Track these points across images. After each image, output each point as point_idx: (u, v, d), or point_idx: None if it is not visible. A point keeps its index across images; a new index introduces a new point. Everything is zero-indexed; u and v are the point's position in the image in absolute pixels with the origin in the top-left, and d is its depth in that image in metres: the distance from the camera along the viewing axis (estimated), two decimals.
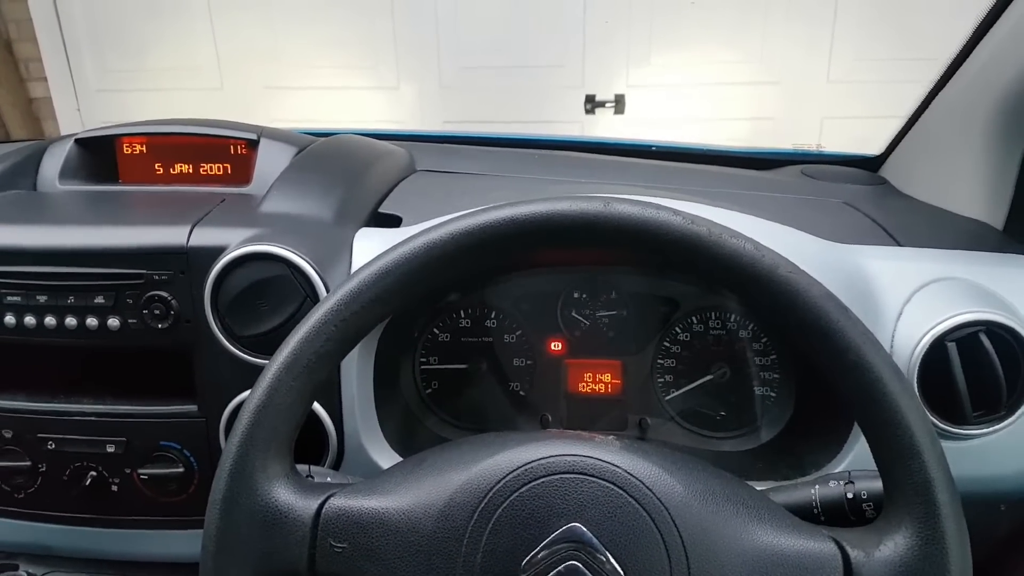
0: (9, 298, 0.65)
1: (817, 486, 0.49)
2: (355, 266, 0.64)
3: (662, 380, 0.75)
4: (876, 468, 0.43)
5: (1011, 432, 0.61)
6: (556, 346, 0.75)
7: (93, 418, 0.67)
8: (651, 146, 1.08)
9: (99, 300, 0.64)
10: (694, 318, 0.74)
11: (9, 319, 0.65)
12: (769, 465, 0.69)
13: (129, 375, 0.70)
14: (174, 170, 0.81)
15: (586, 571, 0.39)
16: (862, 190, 0.90)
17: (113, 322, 0.65)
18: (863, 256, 0.66)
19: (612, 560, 0.39)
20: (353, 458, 0.65)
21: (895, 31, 2.34)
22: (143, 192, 0.79)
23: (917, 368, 0.60)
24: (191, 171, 0.80)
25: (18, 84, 2.76)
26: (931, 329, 0.60)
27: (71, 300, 0.64)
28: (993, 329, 0.60)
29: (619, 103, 2.52)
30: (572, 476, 0.41)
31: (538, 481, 0.41)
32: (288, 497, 0.43)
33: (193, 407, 0.67)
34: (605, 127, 2.54)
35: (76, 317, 0.65)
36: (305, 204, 0.70)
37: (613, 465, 0.42)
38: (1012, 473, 0.65)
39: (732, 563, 0.40)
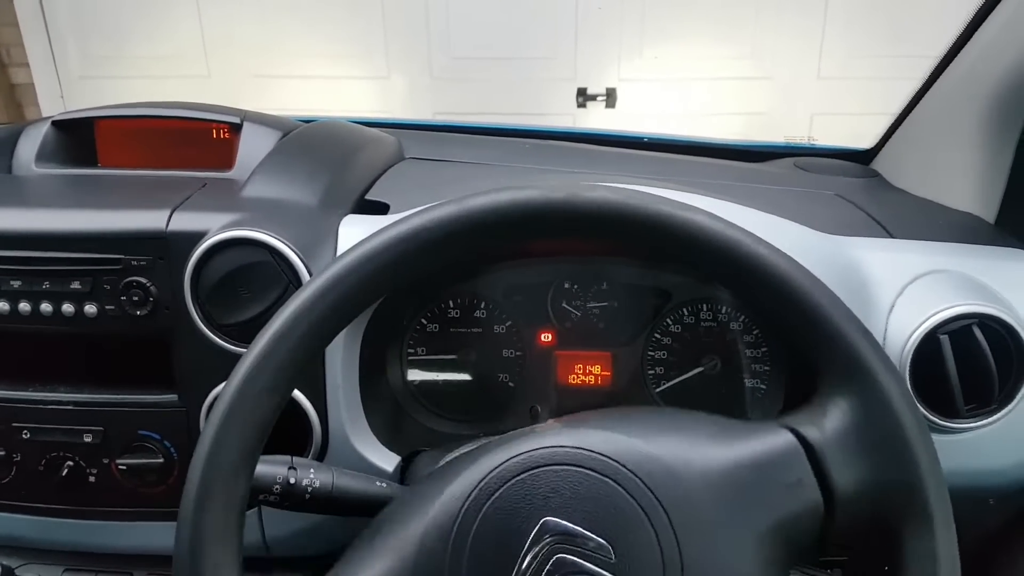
0: None
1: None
2: (340, 252, 0.63)
3: (652, 372, 0.74)
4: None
5: (1002, 426, 0.61)
6: (546, 337, 0.74)
7: (70, 407, 0.66)
8: (643, 137, 1.07)
9: (75, 285, 0.62)
10: (685, 310, 0.73)
11: None
12: None
13: (107, 363, 0.68)
14: (154, 154, 0.79)
15: (574, 559, 0.38)
16: (854, 183, 0.90)
17: (90, 308, 0.63)
18: (856, 248, 0.65)
19: (594, 536, 0.39)
20: (338, 449, 0.64)
21: (886, 28, 2.35)
22: (122, 176, 0.77)
23: (909, 361, 0.60)
24: (172, 155, 0.78)
25: None
26: (924, 321, 0.60)
27: (46, 285, 0.63)
28: (986, 322, 0.59)
29: (610, 97, 2.52)
30: (528, 474, 0.41)
31: (496, 494, 0.41)
32: None
33: (173, 396, 0.65)
34: (596, 121, 2.53)
35: (51, 303, 0.63)
36: (289, 189, 0.68)
37: (561, 447, 0.41)
38: (1002, 467, 0.65)
39: (702, 489, 0.40)
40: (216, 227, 0.61)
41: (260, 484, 0.47)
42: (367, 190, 0.75)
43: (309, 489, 0.49)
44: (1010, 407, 0.60)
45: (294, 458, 0.50)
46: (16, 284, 0.63)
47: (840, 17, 2.38)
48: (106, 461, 0.66)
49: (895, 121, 0.91)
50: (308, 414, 0.62)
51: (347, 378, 0.63)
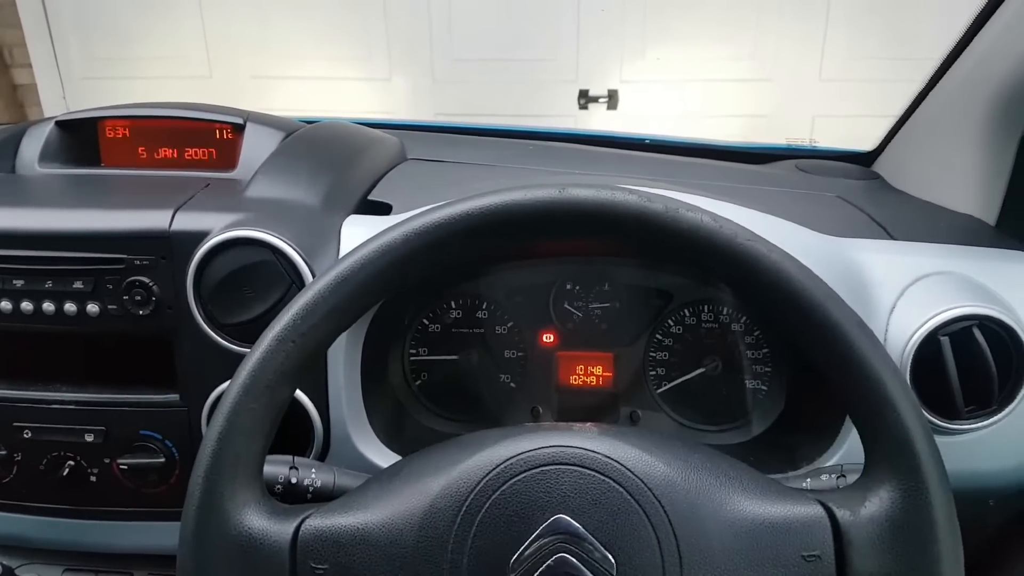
0: None
1: (808, 480, 0.49)
2: (343, 253, 0.63)
3: (654, 373, 0.74)
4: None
5: (1002, 427, 0.61)
6: (548, 338, 0.74)
7: (71, 407, 0.66)
8: (645, 139, 1.07)
9: (78, 285, 0.62)
10: (687, 311, 0.73)
11: None
12: (760, 459, 0.69)
13: (109, 363, 0.68)
14: (158, 154, 0.79)
15: (576, 562, 0.38)
16: (856, 185, 0.90)
17: (92, 308, 0.63)
18: (857, 249, 0.65)
19: (601, 547, 0.39)
20: (339, 449, 0.64)
21: (887, 30, 2.35)
22: (125, 176, 0.77)
23: (910, 362, 0.60)
24: (175, 155, 0.78)
25: (2, 70, 2.71)
26: (925, 323, 0.60)
27: (49, 285, 0.63)
28: (986, 324, 0.59)
29: (612, 98, 2.51)
30: (553, 468, 0.41)
31: (519, 477, 0.40)
32: (262, 523, 0.41)
33: (175, 396, 0.65)
34: (598, 123, 2.53)
35: (54, 302, 0.63)
36: (292, 189, 0.68)
37: (593, 452, 0.41)
38: (1001, 469, 0.65)
39: (721, 535, 0.40)
40: (219, 227, 0.61)
41: None
42: (370, 191, 0.75)
43: (311, 489, 0.49)
44: (1010, 408, 0.60)
45: (296, 458, 0.50)
46: (19, 283, 0.63)
47: (842, 19, 2.38)
48: (107, 461, 0.66)
49: (896, 123, 0.91)
50: (310, 414, 0.62)
51: (349, 378, 0.63)
